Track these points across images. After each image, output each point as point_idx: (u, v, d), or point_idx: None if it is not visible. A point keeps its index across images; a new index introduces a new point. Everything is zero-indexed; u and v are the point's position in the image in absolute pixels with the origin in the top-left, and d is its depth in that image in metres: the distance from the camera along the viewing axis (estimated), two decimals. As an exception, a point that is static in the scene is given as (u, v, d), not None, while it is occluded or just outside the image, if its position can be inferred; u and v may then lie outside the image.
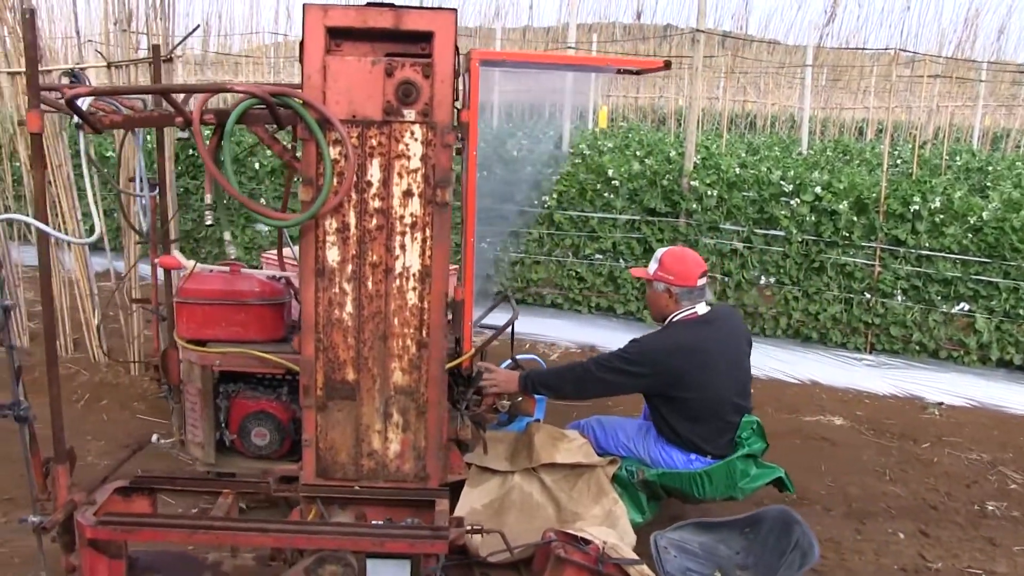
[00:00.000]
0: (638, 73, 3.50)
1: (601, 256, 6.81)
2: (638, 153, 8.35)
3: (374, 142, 2.68)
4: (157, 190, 3.37)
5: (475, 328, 5.97)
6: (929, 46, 16.77)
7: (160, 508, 2.86)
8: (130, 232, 4.49)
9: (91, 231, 5.25)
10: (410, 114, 2.67)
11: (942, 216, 6.09)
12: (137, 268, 4.69)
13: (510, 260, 6.97)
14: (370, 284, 2.75)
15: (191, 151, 7.36)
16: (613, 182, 6.76)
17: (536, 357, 4.12)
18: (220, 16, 17.27)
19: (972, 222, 6.04)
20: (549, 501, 3.41)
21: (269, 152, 6.59)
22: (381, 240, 2.73)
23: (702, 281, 3.54)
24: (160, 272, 3.72)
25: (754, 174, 6.60)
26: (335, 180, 2.65)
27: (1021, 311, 5.95)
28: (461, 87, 2.91)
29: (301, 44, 2.63)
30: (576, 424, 3.78)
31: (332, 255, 2.73)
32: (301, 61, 2.64)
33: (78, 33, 7.70)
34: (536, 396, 3.63)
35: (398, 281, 2.76)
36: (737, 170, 6.63)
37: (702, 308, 3.56)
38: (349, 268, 2.74)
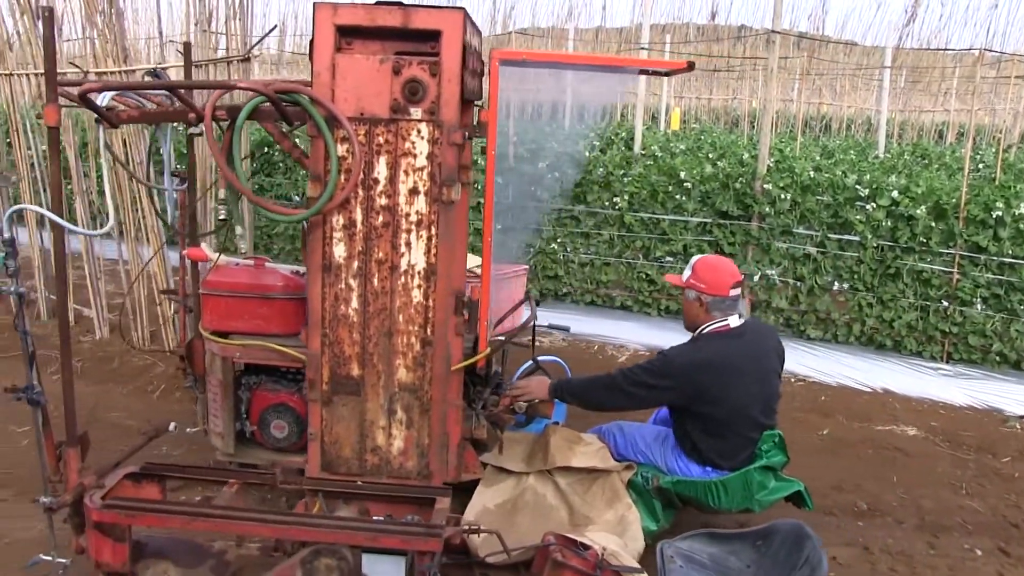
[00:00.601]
0: (667, 74, 3.45)
1: (672, 259, 6.75)
2: (711, 155, 8.25)
3: (381, 140, 2.69)
4: (186, 184, 3.46)
5: (547, 329, 6.04)
6: (1017, 46, 16.13)
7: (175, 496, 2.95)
8: (156, 223, 4.65)
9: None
10: (417, 112, 2.68)
11: (1027, 223, 5.83)
12: (164, 258, 4.85)
13: (579, 262, 6.99)
14: (376, 281, 2.77)
15: (267, 148, 7.56)
16: (685, 184, 6.69)
17: (558, 359, 4.09)
18: (296, 16, 17.62)
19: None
20: (562, 504, 3.38)
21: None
22: (387, 237, 2.74)
23: (735, 292, 3.45)
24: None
25: (829, 178, 6.45)
26: (342, 177, 2.68)
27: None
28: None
29: (311, 42, 2.66)
30: (597, 429, 3.74)
31: (339, 251, 2.75)
32: (311, 59, 2.67)
33: (161, 34, 7.99)
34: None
35: (403, 278, 2.77)
36: (811, 173, 6.49)
37: (734, 321, 3.47)
38: (355, 264, 2.76)
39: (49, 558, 2.69)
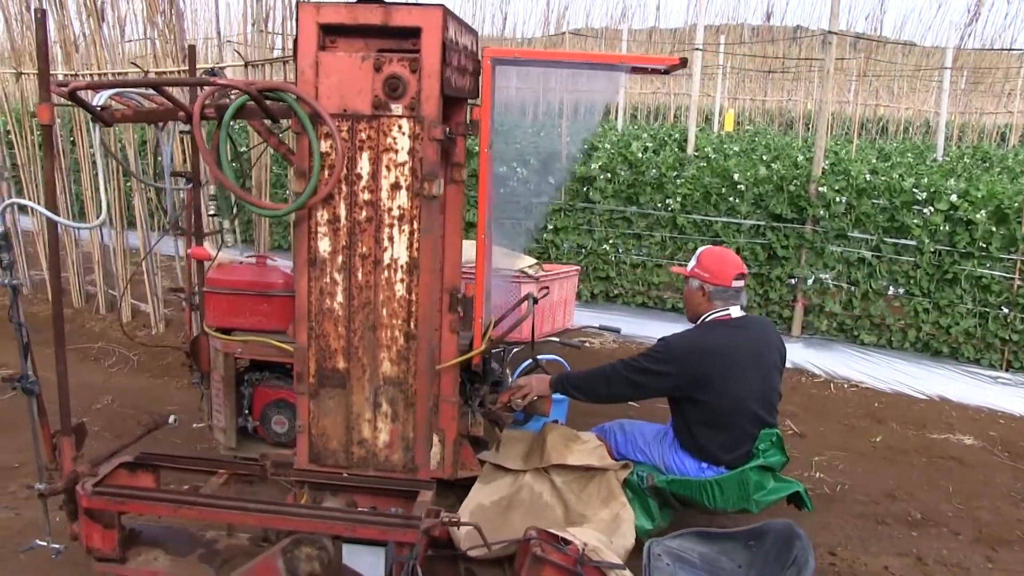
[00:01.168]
0: (663, 72, 3.43)
1: None
2: (764, 157, 8.18)
3: (364, 136, 2.74)
4: (192, 184, 3.55)
5: (598, 330, 6.03)
6: (1089, 44, 15.62)
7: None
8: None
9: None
10: (397, 108, 2.71)
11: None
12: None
13: (631, 263, 6.99)
14: (360, 275, 2.81)
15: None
16: (739, 186, 6.66)
17: (559, 358, 4.09)
18: None
19: None
20: (558, 502, 3.38)
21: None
22: (370, 232, 2.78)
23: (738, 283, 3.44)
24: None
25: (885, 181, 6.35)
26: (326, 172, 2.73)
27: None
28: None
29: (295, 40, 2.72)
30: (600, 428, 3.73)
31: (324, 246, 2.80)
32: (295, 57, 2.73)
33: (219, 34, 8.20)
34: (554, 398, 3.61)
35: (386, 272, 2.80)
36: (867, 176, 6.40)
37: (736, 311, 3.45)
38: (340, 259, 2.80)
39: (44, 543, 2.78)
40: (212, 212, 2.93)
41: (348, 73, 2.71)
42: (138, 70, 5.47)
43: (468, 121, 3.29)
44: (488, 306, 3.61)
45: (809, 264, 6.43)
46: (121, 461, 2.89)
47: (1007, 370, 5.95)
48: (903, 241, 6.19)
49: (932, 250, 6.05)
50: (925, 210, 6.09)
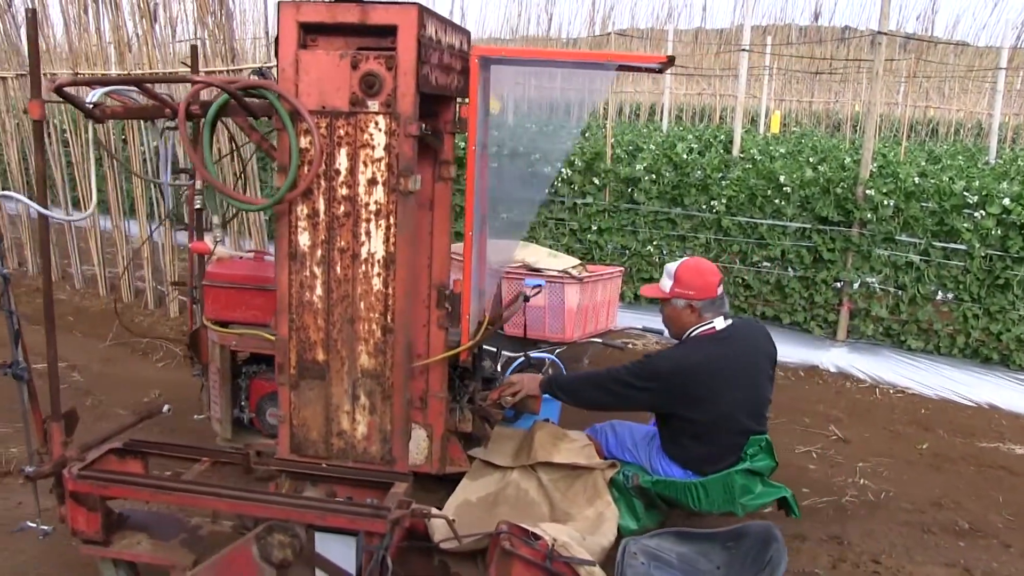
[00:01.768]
0: (647, 70, 3.43)
1: (769, 264, 6.68)
2: (811, 159, 8.06)
3: (342, 132, 2.79)
4: (193, 179, 3.65)
5: (642, 331, 6.01)
6: None
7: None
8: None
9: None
10: (374, 105, 2.76)
11: None
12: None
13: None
14: (338, 269, 2.86)
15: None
16: (784, 188, 6.59)
17: (553, 357, 4.09)
18: None
19: None
20: (544, 500, 3.39)
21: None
22: (348, 226, 2.83)
23: (720, 289, 3.42)
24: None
25: (935, 184, 6.24)
26: (305, 168, 2.78)
27: None
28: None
29: (276, 39, 2.79)
30: (592, 428, 3.73)
31: (303, 239, 2.86)
32: (277, 55, 2.80)
33: (267, 34, 8.40)
34: (547, 397, 3.62)
35: (364, 267, 2.85)
36: (916, 179, 6.30)
37: (720, 322, 3.42)
38: (319, 253, 2.86)
39: (34, 524, 2.88)
40: (198, 206, 3.01)
41: (327, 71, 2.76)
42: (187, 69, 5.63)
43: (456, 119, 3.34)
44: (480, 303, 3.64)
45: (855, 268, 6.33)
46: (110, 447, 2.98)
47: (1060, 379, 5.79)
48: (952, 245, 6.08)
49: (983, 255, 5.93)
50: (976, 214, 5.97)
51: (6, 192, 2.55)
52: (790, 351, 6.30)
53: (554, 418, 3.87)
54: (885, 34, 6.38)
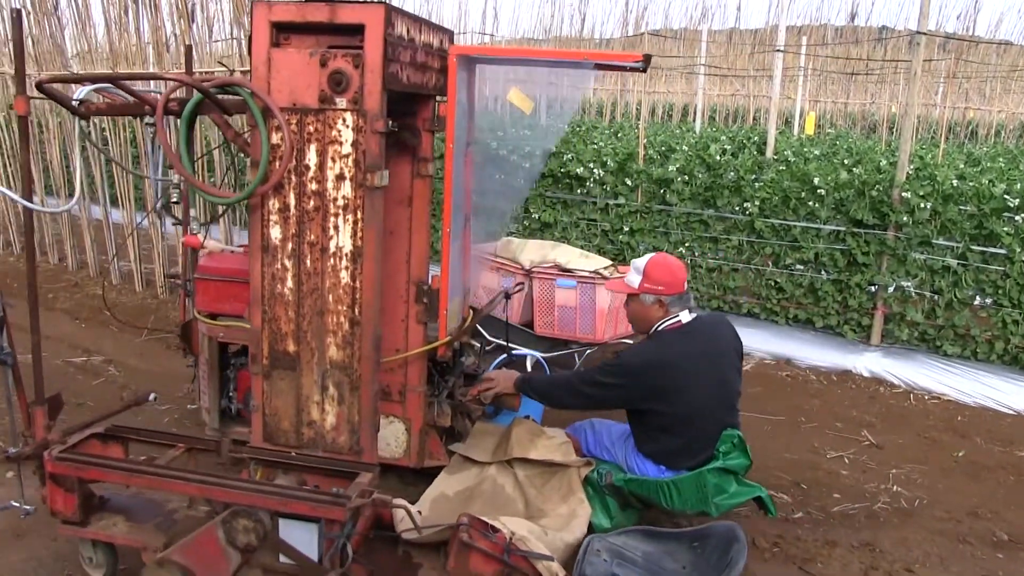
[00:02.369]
0: (624, 69, 3.43)
1: (802, 267, 6.58)
2: (846, 161, 7.92)
3: (311, 128, 2.85)
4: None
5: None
6: None
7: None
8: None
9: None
10: (342, 102, 2.82)
11: None
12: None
13: (707, 267, 6.95)
14: (308, 262, 2.93)
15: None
16: (819, 191, 6.50)
17: (538, 355, 4.10)
18: (430, 16, 18.40)
19: None
20: (519, 496, 3.41)
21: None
22: (318, 220, 2.90)
23: (686, 284, 3.43)
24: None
25: (974, 187, 6.07)
26: (276, 164, 2.86)
27: None
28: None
29: (249, 38, 2.87)
30: (573, 426, 3.74)
31: (275, 233, 2.93)
32: (249, 54, 2.88)
33: None
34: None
35: (332, 260, 2.91)
36: (954, 182, 6.14)
37: (685, 316, 3.42)
38: (290, 246, 2.93)
39: (17, 504, 3.00)
40: (175, 199, 3.10)
41: (297, 69, 2.83)
42: (224, 69, 5.78)
43: (434, 117, 3.39)
44: (461, 299, 3.69)
45: (890, 271, 6.20)
46: (92, 432, 3.08)
47: (1102, 387, 5.59)
48: (991, 249, 5.91)
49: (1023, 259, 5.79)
50: (1017, 217, 5.80)
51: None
52: (822, 355, 6.21)
53: (536, 415, 3.89)
54: (924, 34, 6.22)
